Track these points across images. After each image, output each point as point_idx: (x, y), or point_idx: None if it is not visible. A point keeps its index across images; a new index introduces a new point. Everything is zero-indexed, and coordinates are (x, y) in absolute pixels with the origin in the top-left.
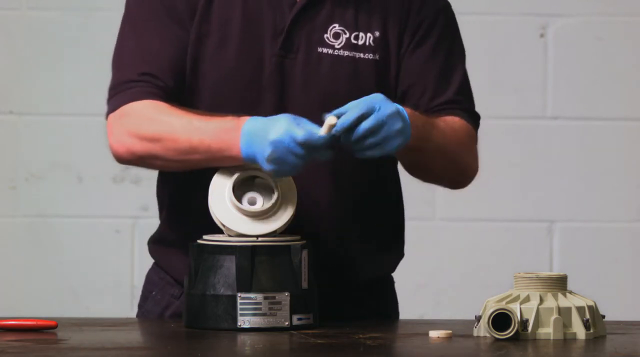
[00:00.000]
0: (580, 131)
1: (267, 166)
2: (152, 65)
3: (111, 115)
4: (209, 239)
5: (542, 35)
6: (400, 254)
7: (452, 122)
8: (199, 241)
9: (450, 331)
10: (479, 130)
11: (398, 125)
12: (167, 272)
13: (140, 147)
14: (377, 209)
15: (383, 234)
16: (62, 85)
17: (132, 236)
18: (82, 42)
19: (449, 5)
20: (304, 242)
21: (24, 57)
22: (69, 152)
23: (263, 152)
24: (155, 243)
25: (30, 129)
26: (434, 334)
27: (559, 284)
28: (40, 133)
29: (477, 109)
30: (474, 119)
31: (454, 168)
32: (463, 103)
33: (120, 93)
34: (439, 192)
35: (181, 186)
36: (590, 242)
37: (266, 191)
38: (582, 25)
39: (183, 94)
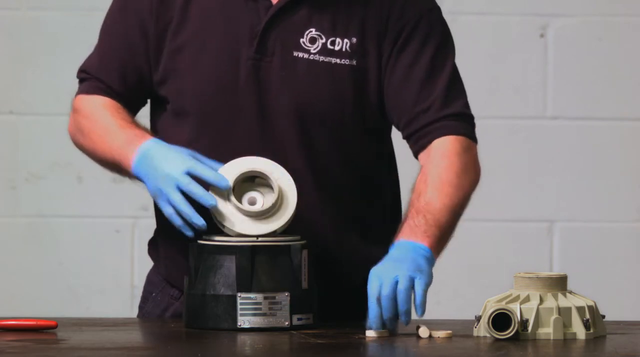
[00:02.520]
0: (580, 131)
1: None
2: (101, 70)
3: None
4: (209, 239)
5: (542, 35)
6: None
7: (437, 165)
8: (199, 241)
9: (450, 331)
10: (479, 130)
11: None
12: (163, 275)
13: (75, 139)
14: (371, 209)
15: (380, 233)
16: (62, 86)
17: (132, 236)
18: (82, 42)
19: (433, 8)
20: (304, 242)
21: (24, 57)
22: (69, 152)
23: (153, 188)
24: (152, 245)
25: (30, 129)
26: (434, 334)
27: (559, 284)
28: (40, 133)
29: (478, 109)
30: (466, 122)
31: (468, 201)
32: (446, 109)
33: (79, 87)
34: None
35: None
36: (590, 242)
37: (266, 190)
38: (582, 25)
39: (138, 99)
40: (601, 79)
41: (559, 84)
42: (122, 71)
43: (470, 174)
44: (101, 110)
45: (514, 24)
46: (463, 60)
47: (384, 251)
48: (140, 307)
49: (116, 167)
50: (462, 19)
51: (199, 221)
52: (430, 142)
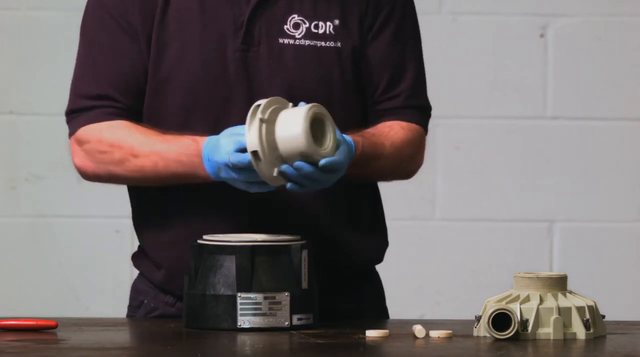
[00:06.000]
0: (580, 131)
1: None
2: (108, 86)
3: (72, 137)
4: (209, 239)
5: (542, 35)
6: (383, 241)
7: (396, 131)
8: (199, 241)
9: (450, 331)
10: (479, 129)
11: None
12: (159, 282)
13: (104, 171)
14: (349, 196)
15: (360, 219)
16: (63, 86)
17: (132, 236)
18: None
19: None
20: (304, 242)
21: (24, 57)
22: (69, 152)
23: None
24: (139, 258)
25: (30, 129)
26: (434, 334)
27: (559, 284)
28: (40, 133)
29: (478, 109)
30: (424, 115)
31: (393, 177)
32: (414, 99)
33: (78, 116)
34: (439, 192)
35: (157, 201)
36: (590, 242)
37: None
38: (582, 25)
39: (145, 106)
40: (601, 79)
41: (559, 84)
42: (130, 81)
43: (413, 162)
44: (129, 132)
45: (514, 24)
46: (463, 60)
47: (366, 235)
48: (130, 317)
49: (178, 180)
50: (462, 19)
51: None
52: (393, 120)
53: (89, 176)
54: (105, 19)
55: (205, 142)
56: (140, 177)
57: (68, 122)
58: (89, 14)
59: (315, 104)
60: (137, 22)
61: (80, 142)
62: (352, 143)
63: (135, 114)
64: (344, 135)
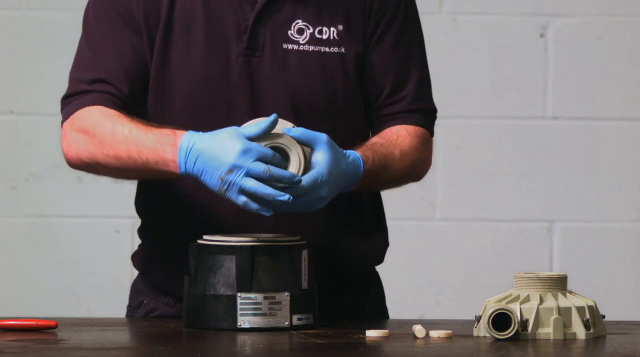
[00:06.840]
0: (580, 131)
1: (216, 190)
2: (104, 72)
3: (65, 122)
4: (209, 239)
5: (542, 35)
6: (384, 242)
7: (404, 137)
8: (199, 241)
9: (450, 331)
10: (479, 130)
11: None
12: (158, 284)
13: (86, 155)
14: (350, 197)
15: (361, 220)
16: (62, 85)
17: (132, 236)
18: None
19: None
20: (304, 242)
21: (24, 57)
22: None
23: (213, 182)
24: (139, 258)
25: (30, 129)
26: (434, 334)
27: (559, 284)
28: (40, 133)
29: (478, 109)
30: (430, 117)
31: (405, 182)
32: (419, 103)
33: (74, 101)
34: (439, 192)
35: (158, 201)
36: (590, 242)
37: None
38: (582, 25)
39: (142, 102)
40: (601, 79)
41: (559, 84)
42: (128, 71)
43: (423, 166)
44: (118, 120)
45: (514, 24)
46: (463, 60)
47: (368, 237)
48: (130, 317)
49: (149, 171)
50: (462, 19)
51: (285, 196)
52: (398, 124)
53: (72, 161)
54: (108, 12)
55: (185, 134)
56: (116, 164)
57: (63, 108)
58: (92, 8)
59: (282, 133)
60: (140, 21)
61: (73, 126)
62: (360, 159)
63: (127, 106)
64: (352, 152)
